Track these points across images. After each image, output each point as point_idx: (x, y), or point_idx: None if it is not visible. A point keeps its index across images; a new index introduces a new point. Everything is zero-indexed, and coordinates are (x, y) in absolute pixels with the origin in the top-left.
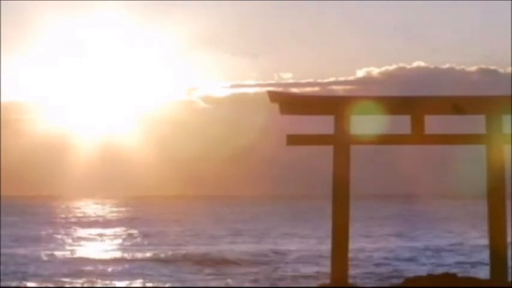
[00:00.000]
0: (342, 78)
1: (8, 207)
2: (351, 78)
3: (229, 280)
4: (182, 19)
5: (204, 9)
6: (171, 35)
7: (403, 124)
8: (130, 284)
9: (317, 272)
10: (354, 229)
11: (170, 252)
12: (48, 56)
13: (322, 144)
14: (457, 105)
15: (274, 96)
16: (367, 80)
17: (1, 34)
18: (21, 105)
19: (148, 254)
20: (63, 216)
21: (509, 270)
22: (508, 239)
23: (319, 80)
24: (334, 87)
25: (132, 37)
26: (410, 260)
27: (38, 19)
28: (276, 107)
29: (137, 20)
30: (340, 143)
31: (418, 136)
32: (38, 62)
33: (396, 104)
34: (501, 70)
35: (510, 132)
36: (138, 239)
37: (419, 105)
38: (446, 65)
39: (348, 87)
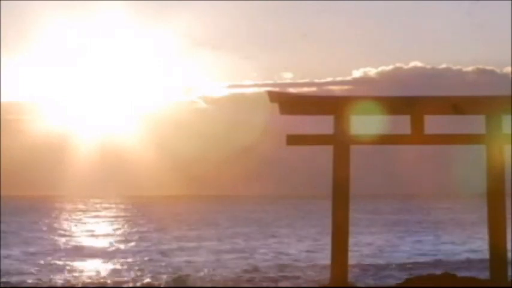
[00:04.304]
0: (339, 79)
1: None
2: (348, 78)
3: None
4: (182, 19)
5: (204, 10)
6: (171, 35)
7: (403, 124)
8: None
9: None
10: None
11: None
12: (48, 56)
13: (322, 144)
14: (457, 105)
15: (274, 96)
16: (364, 80)
17: (1, 34)
18: (21, 105)
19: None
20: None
21: (509, 270)
22: (508, 239)
23: (316, 80)
24: (331, 87)
25: (132, 37)
26: (409, 259)
27: (38, 19)
28: (275, 107)
29: (137, 20)
30: (340, 143)
31: (418, 136)
32: (38, 62)
33: (396, 104)
34: (498, 70)
35: (510, 132)
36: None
37: (419, 105)
38: (443, 65)
39: (345, 87)
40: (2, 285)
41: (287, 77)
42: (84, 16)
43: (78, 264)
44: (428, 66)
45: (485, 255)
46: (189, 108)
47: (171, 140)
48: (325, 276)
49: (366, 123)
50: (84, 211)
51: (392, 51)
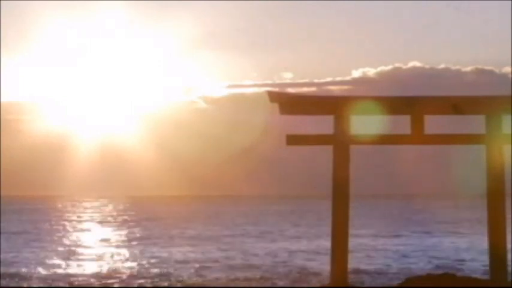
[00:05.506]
0: (338, 79)
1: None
2: (347, 78)
3: None
4: (182, 19)
5: (204, 10)
6: (170, 35)
7: (403, 124)
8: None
9: None
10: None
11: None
12: (48, 56)
13: (322, 144)
14: (457, 105)
15: (274, 96)
16: (363, 80)
17: (1, 34)
18: (21, 105)
19: None
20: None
21: (509, 270)
22: (508, 239)
23: (316, 80)
24: (331, 87)
25: (132, 37)
26: (409, 259)
27: (38, 19)
28: (275, 107)
29: (137, 20)
30: (340, 143)
31: (418, 136)
32: (38, 62)
33: (396, 104)
34: (497, 70)
35: (510, 132)
36: None
37: (419, 105)
38: (442, 65)
39: (344, 87)
40: (2, 286)
41: (287, 77)
42: (84, 16)
43: (79, 264)
44: (427, 66)
45: (485, 254)
46: (189, 108)
47: (171, 140)
48: (326, 276)
49: (366, 123)
50: (84, 211)
51: (391, 51)
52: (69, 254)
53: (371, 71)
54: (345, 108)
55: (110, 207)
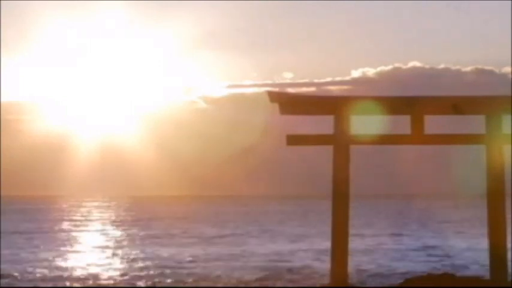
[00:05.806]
0: (338, 79)
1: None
2: (347, 78)
3: None
4: (182, 19)
5: (204, 9)
6: (170, 35)
7: (403, 124)
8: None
9: None
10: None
11: None
12: (48, 56)
13: (322, 144)
14: (457, 105)
15: (274, 96)
16: (363, 80)
17: (1, 34)
18: (21, 105)
19: None
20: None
21: (509, 270)
22: (508, 239)
23: (316, 80)
24: (330, 87)
25: (132, 37)
26: (409, 259)
27: (38, 19)
28: (275, 107)
29: (137, 20)
30: (340, 143)
31: (418, 136)
32: (38, 62)
33: (396, 104)
34: (497, 70)
35: (510, 132)
36: None
37: (419, 105)
38: (442, 65)
39: (344, 87)
40: (2, 286)
41: (287, 77)
42: (84, 16)
43: (79, 264)
44: (427, 66)
45: (486, 254)
46: (189, 108)
47: (171, 140)
48: (326, 276)
49: (366, 123)
50: (84, 211)
51: (391, 51)
52: (69, 254)
53: (371, 71)
54: (345, 108)
55: (110, 207)
